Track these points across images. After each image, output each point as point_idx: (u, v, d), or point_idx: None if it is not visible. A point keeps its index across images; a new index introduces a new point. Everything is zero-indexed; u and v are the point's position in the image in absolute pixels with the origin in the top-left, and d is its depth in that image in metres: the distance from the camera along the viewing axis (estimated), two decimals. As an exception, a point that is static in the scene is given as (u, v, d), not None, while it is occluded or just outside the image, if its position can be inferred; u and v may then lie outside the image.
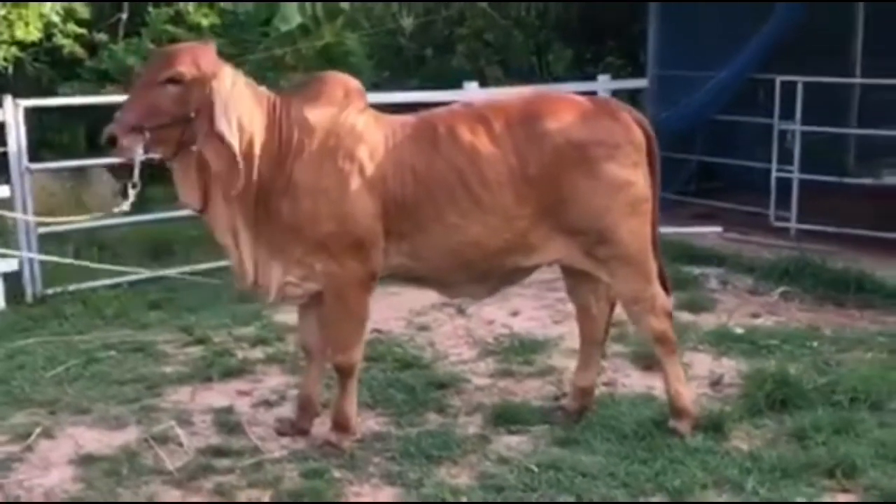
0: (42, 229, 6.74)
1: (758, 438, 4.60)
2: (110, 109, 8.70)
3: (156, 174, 9.02)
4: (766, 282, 7.24)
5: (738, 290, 7.18)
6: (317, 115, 4.24)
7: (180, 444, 4.53)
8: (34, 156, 6.89)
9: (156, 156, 4.18)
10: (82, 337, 5.98)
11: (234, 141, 4.03)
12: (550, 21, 10.87)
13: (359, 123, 4.32)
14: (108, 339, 5.93)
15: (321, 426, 4.66)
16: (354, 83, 4.43)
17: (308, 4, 10.00)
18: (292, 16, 9.86)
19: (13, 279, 6.68)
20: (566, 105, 4.45)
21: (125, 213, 7.54)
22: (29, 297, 6.61)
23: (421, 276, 4.51)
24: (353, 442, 4.50)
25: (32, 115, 6.81)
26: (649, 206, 4.50)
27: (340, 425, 4.49)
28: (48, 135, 9.05)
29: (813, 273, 7.22)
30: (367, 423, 4.71)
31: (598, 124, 4.39)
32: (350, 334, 4.40)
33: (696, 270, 7.33)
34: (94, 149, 9.00)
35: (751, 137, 9.29)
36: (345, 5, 10.39)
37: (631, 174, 4.41)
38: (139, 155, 3.97)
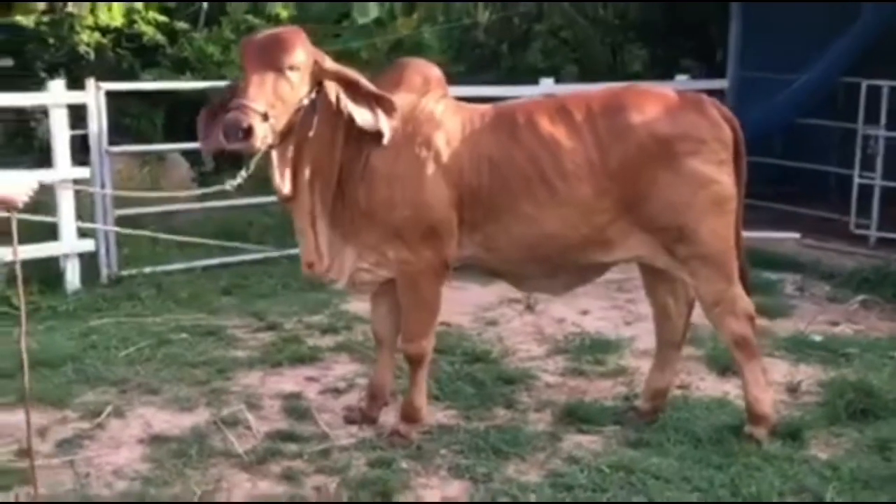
0: (119, 211, 6.81)
1: (837, 448, 4.46)
2: (189, 96, 8.95)
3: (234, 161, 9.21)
4: (845, 290, 7.06)
5: (815, 297, 7.00)
6: (396, 101, 4.18)
7: (249, 428, 4.52)
8: (113, 140, 6.94)
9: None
10: (155, 319, 6.03)
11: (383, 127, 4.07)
12: (630, 20, 10.73)
13: (437, 111, 4.26)
14: (181, 322, 5.97)
15: (388, 416, 4.63)
16: (435, 70, 4.37)
17: (386, -2, 10.00)
18: (370, 9, 9.87)
19: (89, 260, 6.75)
20: (651, 98, 4.33)
21: (199, 199, 7.76)
22: (104, 278, 6.68)
23: (493, 267, 4.44)
24: (420, 433, 4.45)
25: (112, 99, 6.85)
26: (734, 206, 4.36)
27: (409, 416, 4.45)
28: (126, 120, 9.15)
29: (894, 282, 7.04)
30: (436, 415, 4.66)
31: (684, 118, 4.27)
32: (421, 323, 4.35)
33: (773, 276, 7.15)
34: (172, 135, 9.14)
35: (829, 142, 9.09)
36: (421, 0, 10.35)
37: (715, 172, 4.27)
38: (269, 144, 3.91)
